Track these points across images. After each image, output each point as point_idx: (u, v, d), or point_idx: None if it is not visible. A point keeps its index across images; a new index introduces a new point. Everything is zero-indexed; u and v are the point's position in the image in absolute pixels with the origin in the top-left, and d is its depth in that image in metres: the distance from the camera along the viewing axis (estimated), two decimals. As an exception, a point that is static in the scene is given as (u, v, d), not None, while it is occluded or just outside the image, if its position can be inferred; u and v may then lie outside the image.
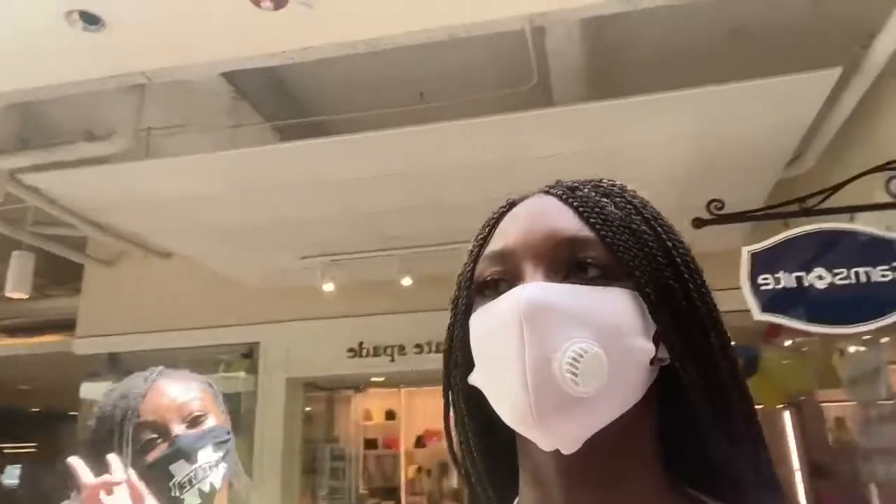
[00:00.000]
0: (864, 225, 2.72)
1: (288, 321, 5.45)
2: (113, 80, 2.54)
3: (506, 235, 0.57)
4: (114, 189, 3.54)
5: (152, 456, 1.13)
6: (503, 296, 0.52)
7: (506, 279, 0.55)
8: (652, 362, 0.52)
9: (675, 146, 3.22)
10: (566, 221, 0.55)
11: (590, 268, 0.52)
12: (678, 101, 2.83)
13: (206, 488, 1.13)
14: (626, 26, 2.97)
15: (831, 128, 3.21)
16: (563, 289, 0.51)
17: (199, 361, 6.01)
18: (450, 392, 0.61)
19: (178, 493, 1.11)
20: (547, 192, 0.60)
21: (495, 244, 0.58)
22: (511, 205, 0.61)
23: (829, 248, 2.76)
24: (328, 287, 4.57)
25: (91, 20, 2.13)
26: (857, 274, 2.67)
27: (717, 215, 2.84)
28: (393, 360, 5.30)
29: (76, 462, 1.04)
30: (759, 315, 2.76)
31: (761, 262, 2.79)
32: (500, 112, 3.19)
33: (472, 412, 0.58)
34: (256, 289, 5.44)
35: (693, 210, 2.88)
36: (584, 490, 0.51)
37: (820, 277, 2.73)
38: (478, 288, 0.57)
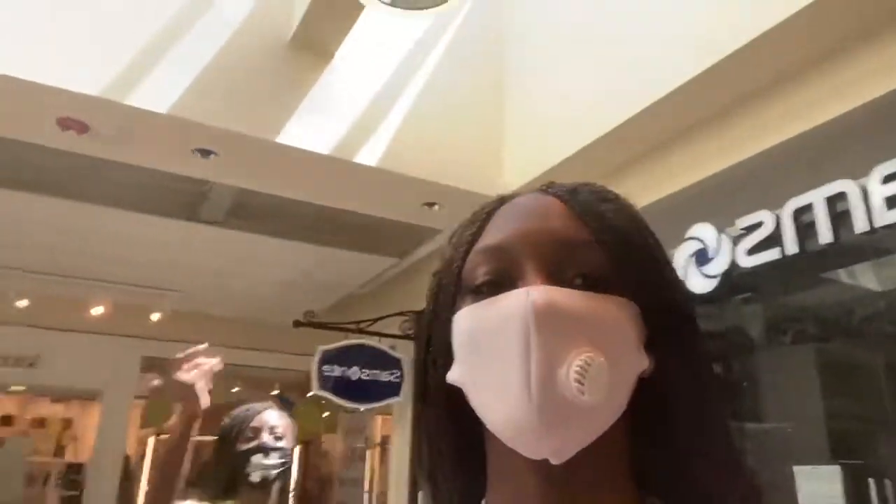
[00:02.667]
0: (386, 345, 4.62)
1: None
2: None
3: (503, 231, 0.55)
4: None
5: (246, 445, 1.96)
6: (505, 295, 0.50)
7: (503, 277, 0.52)
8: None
9: (286, 272, 4.76)
10: (568, 223, 0.53)
11: (590, 274, 0.51)
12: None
13: (267, 476, 1.93)
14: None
15: (381, 281, 5.19)
16: (571, 294, 0.49)
17: None
18: (424, 392, 0.58)
19: (250, 471, 1.91)
20: (545, 192, 0.58)
21: (490, 239, 0.55)
22: (502, 201, 0.59)
23: (363, 355, 4.57)
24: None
25: None
26: (374, 373, 4.53)
27: (310, 322, 4.40)
28: None
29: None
30: (316, 390, 4.37)
31: (327, 357, 4.43)
32: (162, 201, 4.19)
33: (448, 412, 0.56)
34: None
35: (294, 315, 4.39)
36: (562, 500, 0.50)
37: (356, 372, 4.51)
38: (468, 283, 0.54)
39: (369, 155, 3.20)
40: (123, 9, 2.83)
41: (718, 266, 2.61)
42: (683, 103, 2.63)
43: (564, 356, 0.46)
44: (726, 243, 2.59)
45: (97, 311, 5.03)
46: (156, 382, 6.79)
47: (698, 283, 2.64)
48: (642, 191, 2.92)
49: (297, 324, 4.43)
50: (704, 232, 2.69)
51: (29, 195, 3.76)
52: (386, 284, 5.24)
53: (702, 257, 2.68)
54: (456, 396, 0.53)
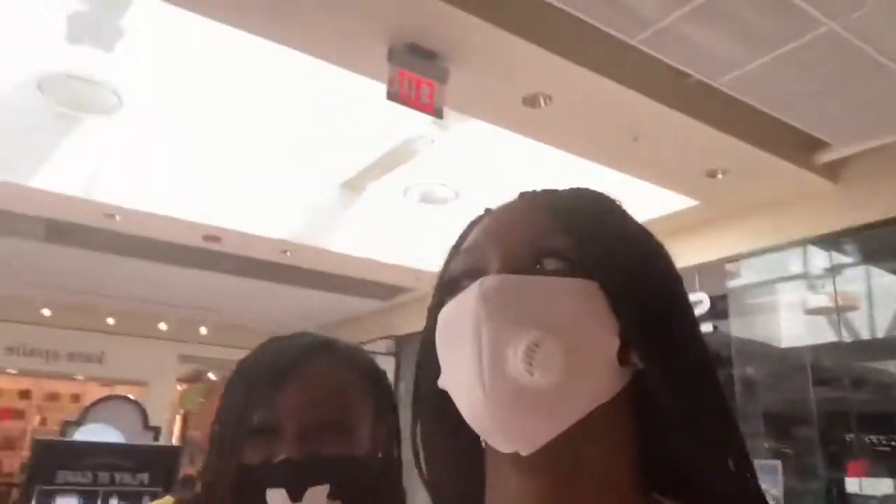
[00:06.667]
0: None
1: None
2: None
3: (475, 233, 0.57)
4: None
5: None
6: (466, 289, 0.50)
7: (473, 275, 0.52)
8: (623, 362, 0.48)
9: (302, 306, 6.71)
10: (533, 215, 0.54)
11: (551, 259, 0.50)
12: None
13: None
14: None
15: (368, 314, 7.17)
16: (523, 279, 0.49)
17: None
18: (417, 400, 0.59)
19: None
20: (522, 195, 0.60)
21: (466, 243, 0.57)
22: (488, 211, 0.60)
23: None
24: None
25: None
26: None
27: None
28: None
29: None
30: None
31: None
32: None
33: (440, 419, 0.56)
34: None
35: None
36: (545, 494, 0.48)
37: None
38: (446, 287, 0.55)
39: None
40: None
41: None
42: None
43: (514, 340, 0.45)
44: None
45: (162, 325, 6.95)
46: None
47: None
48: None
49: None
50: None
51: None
52: (372, 315, 7.29)
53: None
54: (449, 401, 0.51)
